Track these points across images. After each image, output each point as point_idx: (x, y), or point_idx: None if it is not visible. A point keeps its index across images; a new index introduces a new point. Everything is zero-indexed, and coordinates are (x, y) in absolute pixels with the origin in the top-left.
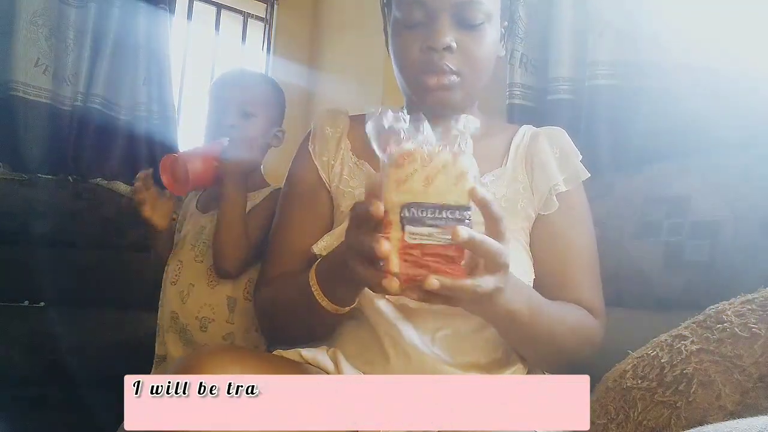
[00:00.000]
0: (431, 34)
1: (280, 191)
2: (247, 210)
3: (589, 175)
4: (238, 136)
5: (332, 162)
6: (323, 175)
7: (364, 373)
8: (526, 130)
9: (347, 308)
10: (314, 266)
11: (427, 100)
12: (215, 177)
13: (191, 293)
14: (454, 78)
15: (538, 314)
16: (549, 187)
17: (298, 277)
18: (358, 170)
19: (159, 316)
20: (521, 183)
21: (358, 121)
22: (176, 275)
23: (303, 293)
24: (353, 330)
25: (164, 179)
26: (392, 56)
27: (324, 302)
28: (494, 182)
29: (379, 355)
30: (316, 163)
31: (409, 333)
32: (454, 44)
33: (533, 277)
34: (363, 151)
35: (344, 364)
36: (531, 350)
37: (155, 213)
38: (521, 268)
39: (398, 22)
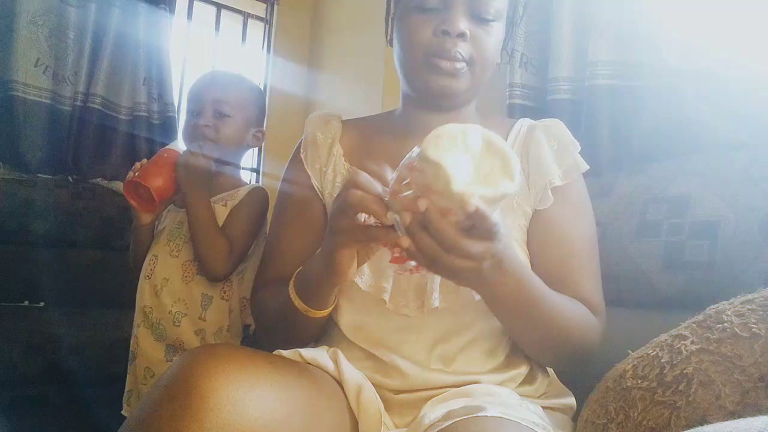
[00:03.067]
0: (447, 19)
1: (259, 189)
2: (230, 209)
3: (588, 167)
4: (213, 136)
5: (324, 169)
6: (316, 183)
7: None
8: (523, 123)
9: (322, 312)
10: (294, 275)
11: (433, 87)
12: (177, 186)
13: (165, 287)
14: (463, 65)
15: (533, 291)
16: (545, 182)
17: (284, 285)
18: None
19: (135, 313)
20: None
21: (351, 125)
22: (151, 269)
23: (286, 300)
24: (353, 337)
25: (133, 203)
26: (399, 40)
27: (300, 305)
28: None
29: (379, 365)
30: (308, 171)
31: (406, 347)
32: (468, 32)
33: None
34: (356, 156)
35: (344, 364)
36: (530, 337)
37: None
38: None
39: (410, 5)
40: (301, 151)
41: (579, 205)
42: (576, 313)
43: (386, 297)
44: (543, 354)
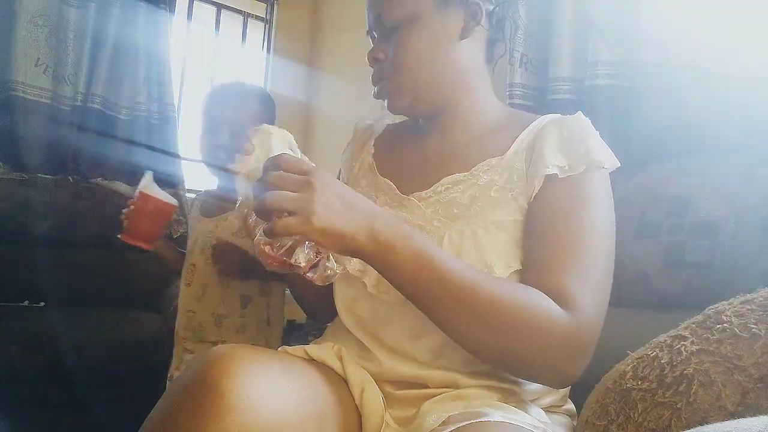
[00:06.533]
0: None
1: None
2: None
3: (606, 163)
4: (225, 157)
5: (353, 163)
6: (343, 174)
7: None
8: (543, 119)
9: None
10: None
11: (391, 111)
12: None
13: (206, 293)
14: (386, 83)
15: (423, 255)
16: (539, 171)
17: None
18: (369, 170)
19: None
20: (517, 171)
21: (391, 127)
22: (190, 278)
23: None
24: (345, 318)
25: (134, 244)
26: None
27: None
28: (487, 171)
29: (370, 353)
30: (341, 165)
31: (391, 335)
32: (379, 54)
33: (517, 268)
34: (381, 154)
35: (349, 363)
36: (450, 323)
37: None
38: (502, 261)
39: None
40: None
41: (582, 199)
42: (516, 295)
43: (367, 281)
44: (479, 347)
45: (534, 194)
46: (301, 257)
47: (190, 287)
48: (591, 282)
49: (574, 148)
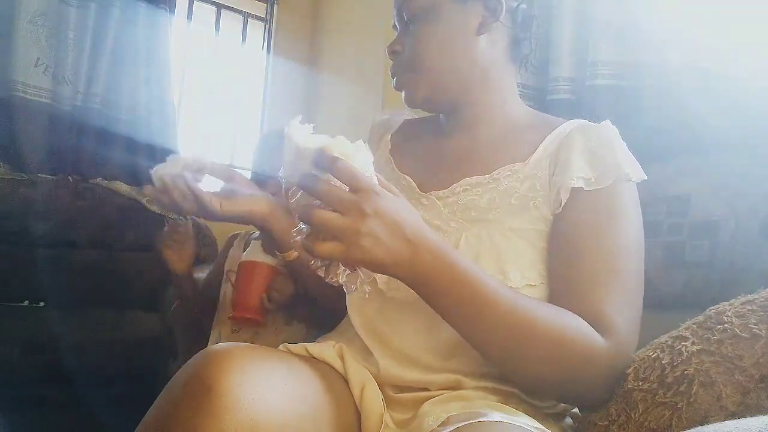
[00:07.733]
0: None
1: None
2: None
3: (633, 176)
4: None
5: None
6: None
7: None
8: (567, 126)
9: (287, 254)
10: None
11: (407, 105)
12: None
13: (257, 340)
14: (407, 76)
15: (466, 277)
16: (564, 183)
17: None
18: (386, 166)
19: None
20: (540, 180)
21: (408, 122)
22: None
23: None
24: (352, 312)
25: (245, 322)
26: None
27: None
28: (508, 177)
29: (372, 357)
30: None
31: (400, 334)
32: (397, 47)
33: (539, 282)
34: (398, 149)
35: (350, 362)
36: (482, 342)
37: (176, 258)
38: (519, 270)
39: None
40: None
41: (612, 214)
42: (556, 322)
43: (378, 278)
44: (513, 369)
45: (561, 206)
46: (342, 277)
47: (239, 335)
48: (626, 303)
49: (601, 158)
